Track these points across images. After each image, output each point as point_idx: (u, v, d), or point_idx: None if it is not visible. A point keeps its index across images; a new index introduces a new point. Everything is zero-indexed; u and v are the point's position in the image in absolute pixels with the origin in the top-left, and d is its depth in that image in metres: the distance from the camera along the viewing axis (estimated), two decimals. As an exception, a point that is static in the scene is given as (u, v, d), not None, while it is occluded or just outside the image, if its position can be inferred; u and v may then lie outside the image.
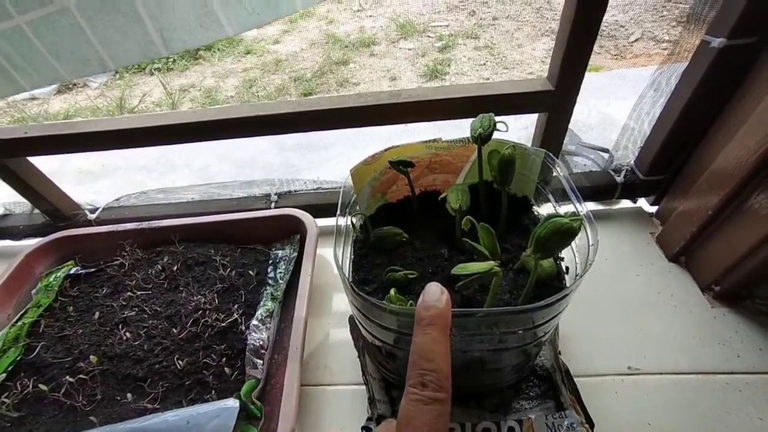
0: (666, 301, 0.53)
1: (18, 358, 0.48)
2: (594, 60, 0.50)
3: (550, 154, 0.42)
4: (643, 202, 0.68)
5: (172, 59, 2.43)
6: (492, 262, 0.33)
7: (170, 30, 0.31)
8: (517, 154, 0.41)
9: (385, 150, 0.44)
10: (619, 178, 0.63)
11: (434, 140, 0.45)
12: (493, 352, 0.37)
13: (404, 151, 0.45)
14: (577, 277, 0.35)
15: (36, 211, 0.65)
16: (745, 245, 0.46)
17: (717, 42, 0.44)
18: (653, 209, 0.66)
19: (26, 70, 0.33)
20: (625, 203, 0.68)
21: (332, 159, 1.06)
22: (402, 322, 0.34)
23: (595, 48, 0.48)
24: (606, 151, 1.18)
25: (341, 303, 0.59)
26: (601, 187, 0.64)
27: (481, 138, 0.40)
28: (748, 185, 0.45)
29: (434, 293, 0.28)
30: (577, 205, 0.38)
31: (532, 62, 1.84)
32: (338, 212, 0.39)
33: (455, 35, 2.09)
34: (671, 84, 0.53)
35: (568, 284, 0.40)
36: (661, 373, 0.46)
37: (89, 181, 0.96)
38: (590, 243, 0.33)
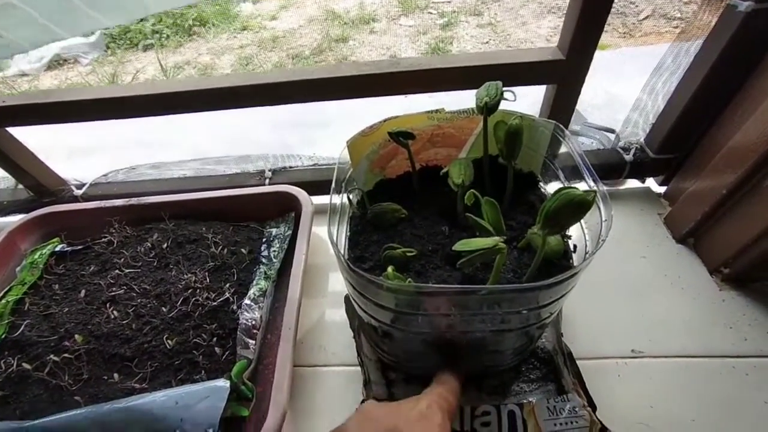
0: (673, 283, 0.51)
1: (2, 336, 0.46)
2: (602, 38, 0.48)
3: (560, 125, 0.39)
4: (651, 182, 0.65)
5: (165, 35, 2.34)
6: (497, 238, 0.31)
7: None
8: (524, 126, 0.38)
9: (385, 120, 0.41)
10: (628, 157, 0.61)
11: (437, 111, 0.42)
12: (494, 333, 0.36)
13: (405, 121, 0.42)
14: (587, 255, 0.33)
15: (20, 186, 0.63)
16: (758, 226, 0.44)
17: (744, 5, 0.41)
18: (662, 189, 0.64)
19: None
20: (633, 183, 0.66)
21: (330, 137, 1.02)
22: (400, 300, 0.32)
23: (603, 31, 0.45)
24: (612, 131, 1.15)
25: (337, 283, 0.57)
26: (609, 165, 0.61)
27: (488, 107, 0.37)
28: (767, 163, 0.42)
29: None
30: (589, 181, 0.36)
31: (536, 40, 1.77)
32: (333, 186, 0.37)
33: (458, 12, 2.01)
34: (690, 55, 0.49)
35: (575, 263, 0.38)
36: (665, 356, 0.45)
37: (78, 157, 0.93)
38: (603, 218, 0.31)
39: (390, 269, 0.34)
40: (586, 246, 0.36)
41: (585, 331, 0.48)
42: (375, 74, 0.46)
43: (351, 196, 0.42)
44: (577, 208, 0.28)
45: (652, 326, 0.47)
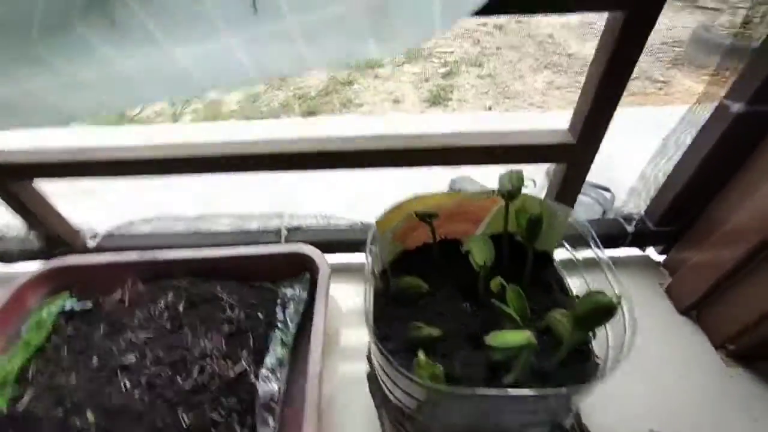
0: (679, 357, 0.52)
1: (3, 410, 0.44)
2: None
3: (585, 222, 0.41)
4: (650, 251, 0.68)
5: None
6: (528, 334, 0.32)
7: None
8: (543, 211, 0.41)
9: (410, 199, 0.43)
10: (630, 227, 0.63)
11: (459, 191, 0.44)
12: (523, 426, 0.36)
13: (427, 200, 0.44)
14: (611, 350, 0.35)
15: (32, 234, 0.62)
16: (761, 307, 0.46)
17: (736, 107, 0.45)
18: (661, 258, 0.66)
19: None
20: (632, 250, 0.68)
21: (333, 188, 1.05)
22: (431, 396, 0.33)
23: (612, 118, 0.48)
24: (607, 190, 1.20)
25: (350, 340, 0.57)
26: (611, 235, 0.64)
27: (510, 195, 0.40)
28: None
29: None
30: (598, 251, 0.38)
31: (533, 93, 1.88)
32: (367, 281, 0.37)
33: (459, 62, 2.13)
34: (687, 140, 0.54)
35: (595, 349, 0.39)
36: (682, 438, 0.45)
37: (87, 197, 0.93)
38: (627, 332, 0.32)
39: (421, 356, 0.35)
40: (606, 334, 0.38)
41: (600, 409, 0.48)
42: (394, 150, 0.49)
43: (375, 270, 0.43)
44: (604, 313, 0.29)
45: (665, 403, 0.48)
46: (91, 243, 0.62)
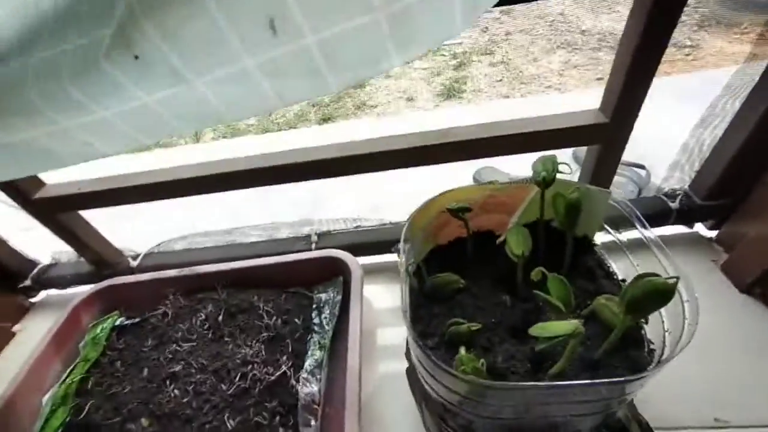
0: (745, 338, 0.48)
1: (67, 420, 0.47)
2: None
3: (626, 202, 0.39)
4: (699, 227, 0.64)
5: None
6: (575, 322, 0.30)
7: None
8: (581, 195, 0.39)
9: (441, 194, 0.43)
10: (674, 204, 0.60)
11: (490, 182, 0.43)
12: (573, 416, 0.34)
13: (460, 193, 0.43)
14: (667, 334, 0.32)
15: (81, 259, 0.66)
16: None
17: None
18: (713, 234, 0.62)
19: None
20: (679, 228, 0.64)
21: (351, 190, 1.05)
22: (474, 390, 0.32)
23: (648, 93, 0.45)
24: (642, 167, 1.13)
25: (387, 339, 0.56)
26: (652, 214, 0.60)
27: (545, 181, 0.38)
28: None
29: None
30: (643, 231, 0.36)
31: (549, 75, 1.82)
32: (402, 278, 0.37)
33: (469, 52, 2.10)
34: (735, 106, 0.50)
35: (648, 334, 0.37)
36: (753, 426, 0.42)
37: (122, 218, 0.97)
38: (684, 299, 0.30)
39: (463, 351, 0.34)
40: (661, 317, 0.35)
41: (658, 397, 0.45)
42: (423, 147, 0.48)
43: (409, 268, 0.42)
44: (661, 297, 0.27)
45: (731, 390, 0.44)
46: (134, 263, 0.65)
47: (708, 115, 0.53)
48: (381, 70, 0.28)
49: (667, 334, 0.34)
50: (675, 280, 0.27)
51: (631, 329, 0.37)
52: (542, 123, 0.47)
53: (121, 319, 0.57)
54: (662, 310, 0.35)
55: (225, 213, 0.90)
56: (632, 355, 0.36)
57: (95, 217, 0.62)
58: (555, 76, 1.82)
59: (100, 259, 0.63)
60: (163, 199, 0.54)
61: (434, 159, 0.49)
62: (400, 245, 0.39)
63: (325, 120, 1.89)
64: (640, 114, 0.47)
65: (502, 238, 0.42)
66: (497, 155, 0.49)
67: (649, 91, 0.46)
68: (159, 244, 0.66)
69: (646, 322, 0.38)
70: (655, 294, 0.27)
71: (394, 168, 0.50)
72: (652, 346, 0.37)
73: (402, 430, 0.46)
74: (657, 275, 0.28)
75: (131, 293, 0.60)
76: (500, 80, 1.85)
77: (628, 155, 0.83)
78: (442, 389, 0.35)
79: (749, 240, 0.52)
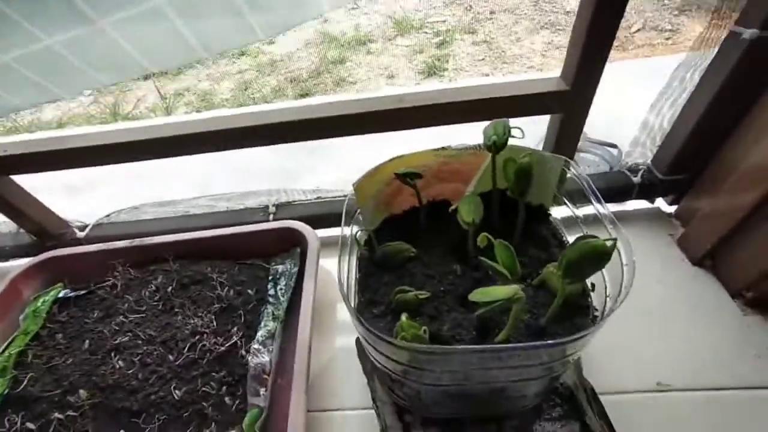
0: (694, 308, 0.50)
1: (5, 392, 0.45)
2: None
3: (570, 161, 0.38)
4: (660, 202, 0.64)
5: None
6: (515, 287, 0.30)
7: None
8: (534, 162, 0.38)
9: (390, 160, 0.41)
10: (636, 178, 0.60)
11: (443, 148, 0.42)
12: (515, 382, 0.34)
13: (411, 160, 0.41)
14: (608, 299, 0.32)
15: (22, 230, 0.62)
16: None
17: (749, 33, 0.41)
18: (672, 209, 0.63)
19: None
20: (641, 203, 0.65)
21: (333, 162, 1.03)
22: (413, 357, 0.31)
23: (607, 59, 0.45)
24: (614, 146, 1.14)
25: (346, 313, 0.55)
26: (616, 188, 0.60)
27: (496, 146, 0.37)
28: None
29: None
30: (599, 206, 0.35)
31: (531, 56, 1.79)
32: (341, 240, 0.36)
33: (452, 30, 2.05)
34: (696, 75, 0.49)
35: (594, 302, 0.37)
36: (693, 389, 0.43)
37: (78, 193, 0.93)
38: (624, 263, 0.30)
39: (404, 318, 0.33)
40: (605, 284, 0.35)
41: (605, 363, 0.46)
42: (379, 111, 0.46)
43: (358, 237, 0.41)
44: (598, 258, 0.27)
45: (675, 356, 0.45)
46: (81, 234, 0.62)
47: (667, 88, 0.52)
48: (313, 15, 0.26)
49: (608, 299, 0.34)
50: (613, 242, 0.27)
51: (577, 298, 0.37)
52: (502, 89, 0.46)
53: (65, 291, 0.55)
54: (606, 277, 0.35)
55: (193, 187, 0.86)
56: (577, 323, 0.36)
57: (49, 190, 0.58)
58: (537, 56, 1.80)
59: (41, 229, 0.59)
60: (102, 164, 0.51)
61: (390, 125, 0.47)
62: (344, 211, 0.37)
63: (303, 95, 1.83)
64: (616, 94, 0.46)
65: (454, 206, 0.40)
66: (455, 123, 0.48)
67: (627, 73, 0.45)
68: (108, 215, 0.63)
69: (593, 290, 0.38)
70: (593, 255, 0.27)
71: (347, 134, 0.48)
72: (596, 314, 0.37)
73: (354, 402, 0.46)
74: (596, 237, 0.27)
75: (77, 265, 0.57)
76: (482, 59, 1.82)
77: (604, 135, 0.83)
78: (384, 359, 0.34)
79: (702, 215, 0.53)
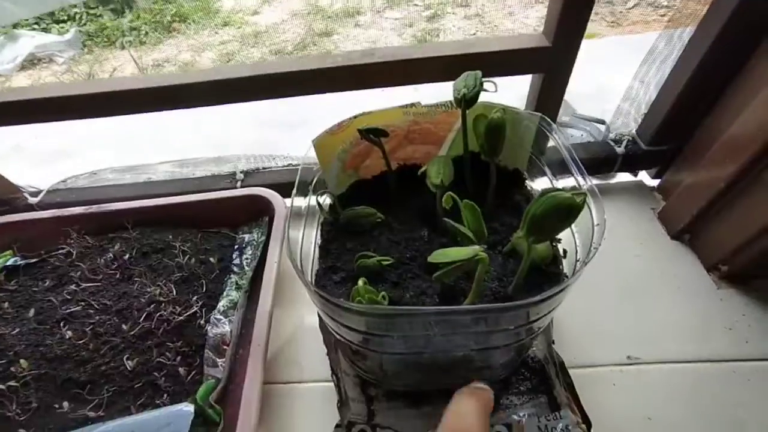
0: (668, 282, 0.48)
1: (-55, 363, 0.42)
2: (589, 27, 0.45)
3: (546, 118, 0.36)
4: (644, 176, 0.63)
5: (144, 32, 2.26)
6: (476, 247, 0.28)
7: None
8: (507, 119, 0.35)
9: (355, 117, 0.38)
10: (620, 149, 0.58)
11: (412, 105, 0.38)
12: (480, 351, 0.33)
13: (378, 117, 0.38)
14: (578, 263, 0.30)
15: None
16: (759, 221, 0.42)
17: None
18: (655, 183, 0.61)
19: None
20: (625, 176, 0.63)
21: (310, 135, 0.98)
22: (370, 322, 0.29)
23: (591, 14, 0.42)
24: (603, 122, 1.12)
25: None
26: (599, 159, 0.58)
27: (466, 100, 0.34)
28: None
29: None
30: (579, 177, 0.32)
31: (524, 30, 1.74)
32: (294, 191, 0.33)
33: (444, 3, 1.97)
34: (683, 41, 0.46)
35: (566, 270, 0.35)
36: (663, 362, 0.42)
37: (46, 163, 0.88)
38: (595, 222, 0.28)
39: (361, 282, 0.31)
40: (576, 250, 0.33)
41: (576, 337, 0.45)
42: (346, 66, 0.42)
43: (321, 200, 0.38)
44: (565, 213, 0.24)
45: (647, 330, 0.45)
46: (34, 200, 0.58)
47: (649, 55, 0.49)
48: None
49: (578, 263, 0.32)
50: (582, 196, 0.24)
51: (548, 265, 0.36)
52: (481, 44, 0.43)
53: (14, 259, 0.51)
54: (578, 242, 0.33)
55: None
56: (547, 290, 0.34)
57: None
58: (531, 31, 1.75)
59: (-9, 194, 0.55)
60: (44, 121, 0.46)
61: (359, 82, 0.44)
62: (299, 170, 0.34)
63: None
64: (608, 69, 0.43)
65: (423, 169, 0.38)
66: (430, 81, 0.44)
67: (620, 48, 0.41)
68: (65, 180, 0.59)
69: (565, 256, 0.36)
70: (558, 210, 0.24)
71: (314, 92, 0.45)
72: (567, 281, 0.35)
73: (317, 374, 0.44)
74: (562, 191, 0.25)
75: (28, 231, 0.53)
76: (474, 34, 1.76)
77: (596, 112, 0.80)
78: (340, 327, 0.32)
79: (683, 187, 0.51)
